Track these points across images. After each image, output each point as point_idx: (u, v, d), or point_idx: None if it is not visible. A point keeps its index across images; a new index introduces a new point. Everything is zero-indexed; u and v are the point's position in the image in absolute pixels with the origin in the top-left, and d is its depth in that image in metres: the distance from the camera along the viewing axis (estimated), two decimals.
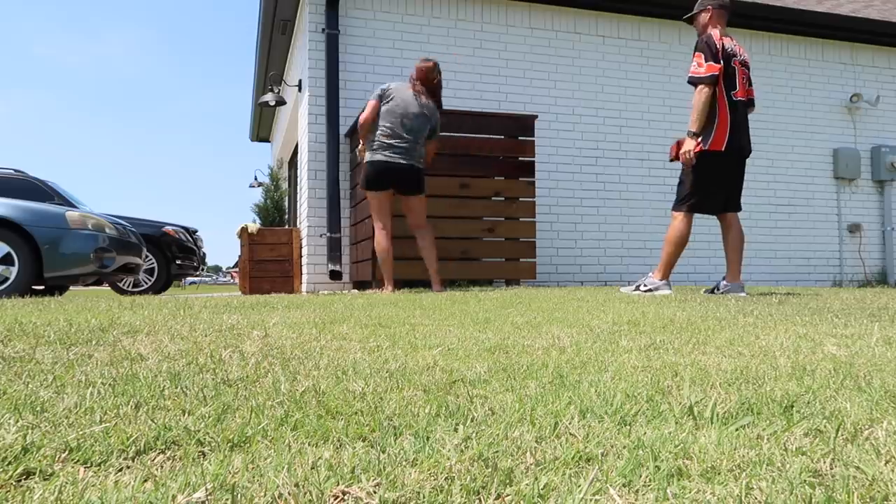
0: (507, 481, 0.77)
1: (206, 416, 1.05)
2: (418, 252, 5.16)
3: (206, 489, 0.74)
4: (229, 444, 0.92)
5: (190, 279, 23.90)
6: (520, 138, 6.10)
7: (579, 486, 0.75)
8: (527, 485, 0.75)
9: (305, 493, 0.73)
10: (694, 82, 4.08)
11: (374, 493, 0.74)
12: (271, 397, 1.19)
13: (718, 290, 4.22)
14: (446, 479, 0.78)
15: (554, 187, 7.08)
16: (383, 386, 1.29)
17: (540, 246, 6.58)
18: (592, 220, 7.23)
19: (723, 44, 4.13)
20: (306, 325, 2.34)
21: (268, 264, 7.07)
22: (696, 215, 4.27)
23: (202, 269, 10.52)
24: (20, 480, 0.79)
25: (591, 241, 7.22)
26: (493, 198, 5.94)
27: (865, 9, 8.49)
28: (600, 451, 0.87)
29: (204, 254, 10.47)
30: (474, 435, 0.94)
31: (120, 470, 0.83)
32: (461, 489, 0.75)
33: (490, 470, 0.80)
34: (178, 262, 8.99)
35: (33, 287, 5.58)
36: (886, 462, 0.83)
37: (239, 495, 0.73)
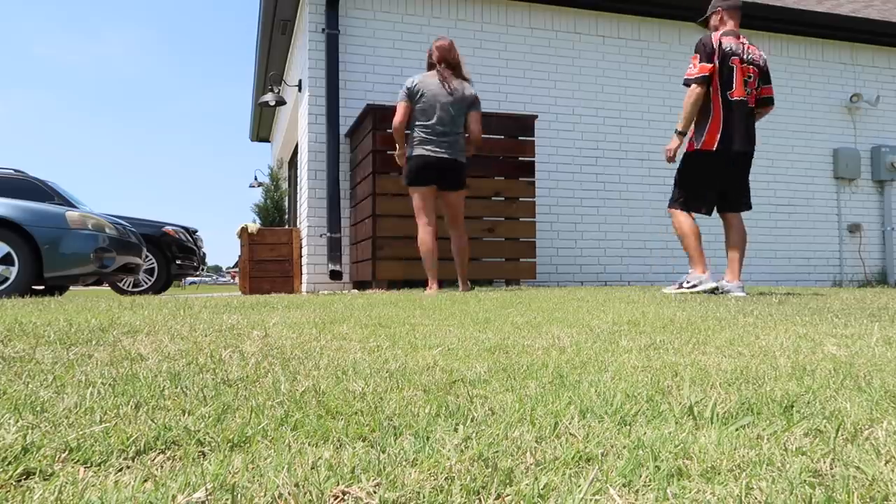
0: (507, 481, 0.77)
1: (206, 416, 1.05)
2: (417, 253, 5.13)
3: (206, 489, 0.74)
4: (229, 444, 0.92)
5: (190, 279, 23.90)
6: (520, 138, 6.10)
7: (579, 486, 0.75)
8: (527, 485, 0.75)
9: (305, 493, 0.73)
10: (686, 83, 4.12)
11: (374, 493, 0.74)
12: (271, 397, 1.19)
13: (718, 290, 4.20)
14: (446, 479, 0.78)
15: (554, 187, 7.08)
16: (383, 386, 1.29)
17: (540, 246, 6.58)
18: (592, 220, 7.23)
19: (720, 42, 4.10)
20: (306, 325, 2.34)
21: (268, 264, 7.07)
22: (696, 215, 4.27)
23: (202, 269, 10.52)
24: (20, 480, 0.79)
25: (591, 241, 7.22)
26: (493, 198, 5.94)
27: (865, 9, 8.49)
28: (600, 451, 0.87)
29: (204, 254, 10.47)
30: (474, 435, 0.94)
31: (120, 470, 0.83)
32: (461, 489, 0.75)
33: (490, 470, 0.80)
34: (178, 262, 8.99)
35: (33, 287, 5.58)
36: (886, 462, 0.83)
37: (239, 495, 0.73)
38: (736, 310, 2.88)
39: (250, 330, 2.18)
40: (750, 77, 4.15)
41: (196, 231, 10.08)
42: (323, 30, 6.49)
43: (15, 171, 7.80)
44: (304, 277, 6.74)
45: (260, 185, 11.86)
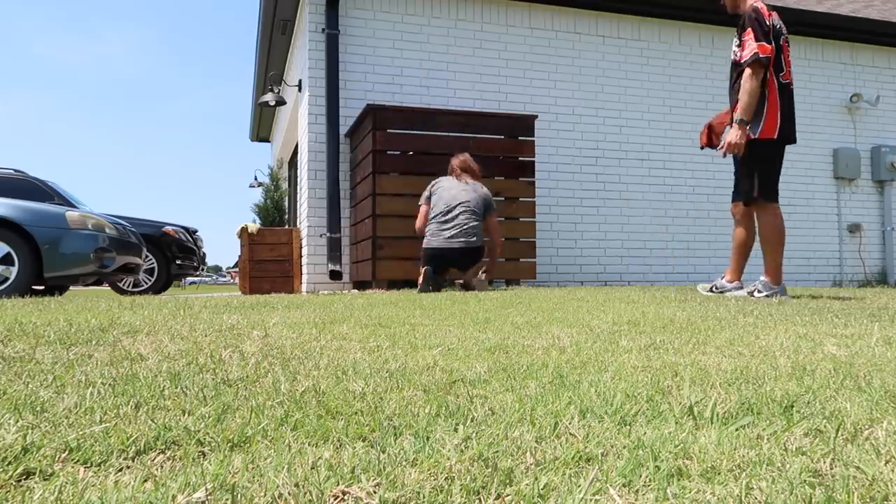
0: (507, 481, 0.77)
1: (206, 416, 1.05)
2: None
3: (206, 489, 0.74)
4: (229, 444, 0.92)
5: (190, 279, 23.89)
6: (520, 138, 6.10)
7: (579, 486, 0.75)
8: (527, 485, 0.75)
9: (305, 493, 0.73)
10: (750, 62, 3.65)
11: (374, 493, 0.74)
12: (271, 397, 1.19)
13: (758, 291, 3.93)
14: (446, 479, 0.78)
15: (554, 187, 7.08)
16: (383, 386, 1.29)
17: (540, 246, 6.58)
18: (592, 220, 7.23)
19: (772, 20, 3.77)
20: (306, 325, 2.34)
21: (268, 264, 7.07)
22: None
23: (202, 269, 10.52)
24: (20, 480, 0.79)
25: (591, 241, 7.22)
26: (494, 198, 5.93)
27: (865, 9, 8.49)
28: (600, 451, 0.87)
29: (204, 254, 10.47)
30: (474, 435, 0.94)
31: (120, 470, 0.83)
32: (461, 489, 0.74)
33: (490, 470, 0.80)
34: (178, 262, 8.99)
35: (33, 287, 5.58)
36: (886, 462, 0.83)
37: (239, 495, 0.73)
38: (736, 310, 2.88)
39: (250, 330, 2.18)
40: (788, 55, 3.87)
41: (196, 231, 10.07)
42: (323, 30, 6.49)
43: (15, 171, 7.80)
44: (304, 277, 6.74)
45: (260, 185, 11.86)
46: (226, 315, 2.71)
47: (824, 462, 0.83)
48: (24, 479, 0.79)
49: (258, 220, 10.29)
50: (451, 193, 5.01)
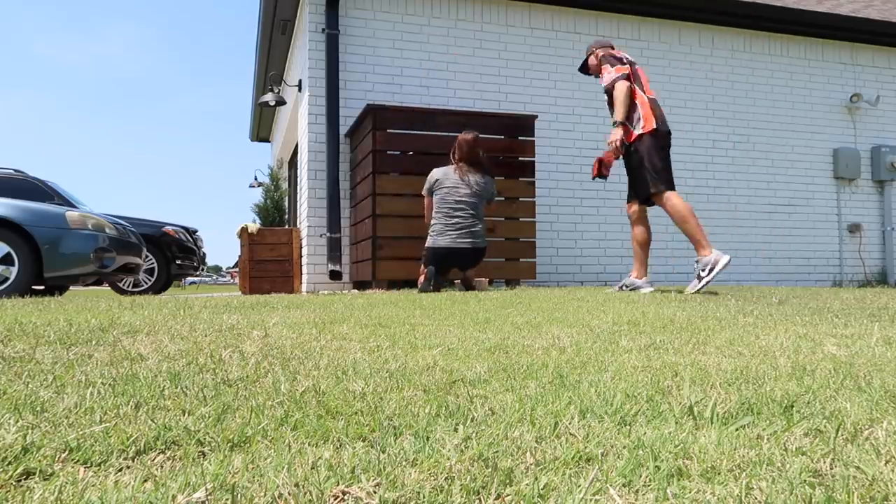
0: (507, 481, 0.77)
1: (206, 416, 1.05)
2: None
3: (206, 489, 0.74)
4: (229, 444, 0.92)
5: (190, 279, 23.90)
6: (520, 138, 6.10)
7: (579, 486, 0.75)
8: (527, 485, 0.75)
9: (305, 493, 0.73)
10: (611, 82, 4.31)
11: (374, 493, 0.74)
12: (271, 397, 1.19)
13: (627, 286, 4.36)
14: (446, 479, 0.78)
15: (554, 187, 7.08)
16: (383, 386, 1.29)
17: (540, 246, 6.58)
18: (592, 220, 7.23)
19: (623, 53, 4.49)
20: (306, 325, 2.34)
21: (268, 264, 7.07)
22: (696, 215, 4.25)
23: (202, 269, 10.52)
24: (20, 480, 0.79)
25: (591, 241, 7.22)
26: (494, 198, 5.94)
27: (865, 9, 8.49)
28: (600, 451, 0.87)
29: (204, 254, 10.47)
30: (474, 435, 0.94)
31: (120, 470, 0.83)
32: (461, 489, 0.74)
33: (490, 470, 0.80)
34: (178, 262, 8.99)
35: (33, 287, 5.58)
36: (886, 462, 0.83)
37: (239, 495, 0.73)
38: (736, 310, 2.88)
39: (250, 330, 2.18)
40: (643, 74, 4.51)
41: (196, 231, 10.07)
42: (323, 30, 6.49)
43: (15, 171, 7.80)
44: (304, 277, 6.74)
45: (260, 185, 11.86)
46: (226, 315, 2.71)
47: (824, 462, 0.83)
48: (24, 479, 0.79)
49: (258, 220, 10.29)
50: (456, 197, 5.01)
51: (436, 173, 5.13)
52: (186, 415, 1.06)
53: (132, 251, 6.62)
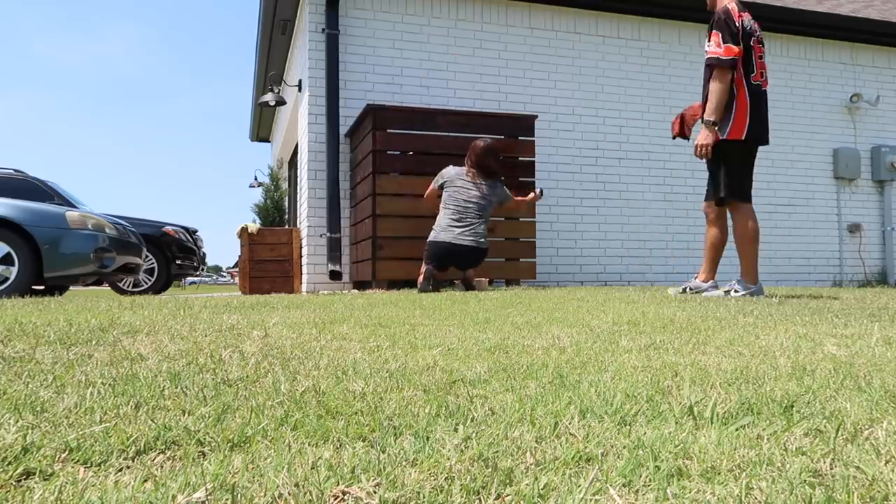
0: (507, 481, 0.77)
1: (206, 416, 1.05)
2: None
3: (206, 489, 0.74)
4: (229, 444, 0.92)
5: (190, 279, 23.90)
6: (520, 138, 6.10)
7: (579, 486, 0.75)
8: (527, 485, 0.75)
9: (305, 493, 0.73)
10: (712, 64, 3.73)
11: (374, 493, 0.74)
12: (271, 397, 1.19)
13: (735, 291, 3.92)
14: (446, 479, 0.78)
15: (554, 187, 7.08)
16: (383, 386, 1.29)
17: (540, 246, 6.58)
18: (592, 220, 7.23)
19: (742, 21, 3.76)
20: (306, 325, 2.34)
21: (268, 264, 7.07)
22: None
23: (202, 269, 10.52)
24: (20, 480, 0.79)
25: (591, 241, 7.22)
26: None
27: (865, 9, 8.49)
28: (600, 451, 0.87)
29: (204, 254, 10.47)
30: (474, 435, 0.94)
31: (120, 470, 0.83)
32: (461, 489, 0.74)
33: (490, 470, 0.80)
34: (178, 262, 8.99)
35: (33, 287, 5.58)
36: (886, 462, 0.83)
37: (239, 495, 0.73)
38: (736, 310, 2.88)
39: (250, 330, 2.18)
40: (761, 57, 3.88)
41: (196, 231, 10.08)
42: (323, 30, 6.49)
43: (15, 171, 7.80)
44: (304, 277, 6.74)
45: (260, 185, 11.86)
46: (226, 315, 2.71)
47: (824, 462, 0.83)
48: (24, 479, 0.79)
49: (258, 220, 10.29)
50: (465, 197, 5.05)
51: (449, 171, 5.17)
52: (186, 415, 1.06)
53: (132, 251, 6.62)
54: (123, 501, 0.71)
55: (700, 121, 3.92)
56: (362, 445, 0.91)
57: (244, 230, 7.12)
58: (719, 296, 3.88)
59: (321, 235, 6.55)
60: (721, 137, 3.81)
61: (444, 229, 5.01)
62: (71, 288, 9.03)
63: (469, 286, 5.08)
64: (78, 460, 0.85)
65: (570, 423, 1.00)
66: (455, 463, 0.82)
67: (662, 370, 1.45)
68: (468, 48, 6.96)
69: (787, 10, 7.70)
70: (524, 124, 6.14)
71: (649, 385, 1.28)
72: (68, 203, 7.53)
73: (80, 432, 0.95)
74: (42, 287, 6.25)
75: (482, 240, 5.07)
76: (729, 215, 4.04)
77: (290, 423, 1.01)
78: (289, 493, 0.73)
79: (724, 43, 3.70)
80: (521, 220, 6.04)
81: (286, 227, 10.38)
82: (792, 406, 1.11)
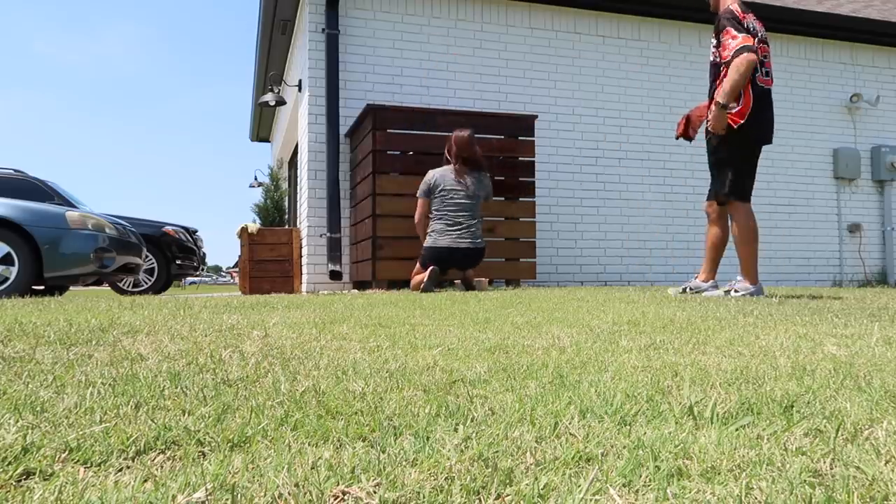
0: (507, 481, 0.77)
1: (206, 416, 1.05)
2: (417, 253, 5.19)
3: (206, 489, 0.74)
4: (229, 444, 0.92)
5: (190, 279, 23.91)
6: (520, 138, 6.10)
7: (579, 486, 0.75)
8: (527, 485, 0.75)
9: (305, 493, 0.73)
10: (738, 52, 3.61)
11: (374, 493, 0.74)
12: (271, 397, 1.19)
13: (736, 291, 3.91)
14: (446, 479, 0.78)
15: (554, 187, 7.08)
16: (383, 386, 1.29)
17: (540, 246, 6.58)
18: (592, 220, 7.23)
19: (746, 23, 3.77)
20: (306, 325, 2.34)
21: (268, 264, 7.07)
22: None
23: (202, 269, 10.52)
24: (20, 480, 0.79)
25: (591, 241, 7.22)
26: (494, 198, 5.93)
27: (865, 9, 8.49)
28: (600, 451, 0.87)
29: (204, 254, 10.47)
30: (474, 435, 0.94)
31: (120, 470, 0.83)
32: (461, 489, 0.74)
33: (490, 470, 0.80)
34: (178, 262, 8.99)
35: (33, 287, 5.58)
36: (886, 462, 0.83)
37: (239, 495, 0.73)
38: (736, 310, 2.88)
39: (250, 330, 2.18)
40: (766, 57, 3.85)
41: (196, 231, 10.08)
42: (323, 30, 6.49)
43: (15, 171, 7.80)
44: (304, 277, 6.74)
45: (260, 185, 11.86)
46: (226, 315, 2.71)
47: (824, 462, 0.83)
48: (24, 479, 0.79)
49: (258, 220, 10.29)
50: (455, 199, 5.07)
51: (433, 175, 5.16)
52: (186, 415, 1.06)
53: (132, 251, 6.62)
54: (123, 501, 0.71)
55: (706, 118, 3.91)
56: (362, 445, 0.91)
57: (244, 230, 7.12)
58: (719, 296, 3.88)
59: (321, 235, 6.55)
60: (733, 112, 3.74)
61: (440, 234, 5.04)
62: (71, 288, 9.03)
63: (469, 286, 5.09)
64: (78, 460, 0.85)
65: (570, 423, 1.00)
66: (455, 463, 0.82)
67: (662, 370, 1.45)
68: (468, 48, 6.96)
69: (787, 10, 7.70)
70: (524, 124, 6.14)
71: (649, 385, 1.28)
72: (68, 203, 7.53)
73: (80, 432, 0.95)
74: (42, 287, 6.25)
75: (479, 240, 5.10)
76: (728, 215, 4.03)
77: (290, 423, 1.01)
78: (289, 493, 0.73)
79: (739, 34, 3.67)
80: (521, 220, 6.04)
81: (286, 227, 10.38)
82: (792, 406, 1.11)
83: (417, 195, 5.23)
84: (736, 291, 3.90)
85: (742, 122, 3.77)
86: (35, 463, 0.83)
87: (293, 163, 10.40)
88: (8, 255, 5.34)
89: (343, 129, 6.55)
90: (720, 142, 3.86)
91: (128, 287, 8.67)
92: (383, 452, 0.87)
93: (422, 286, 4.90)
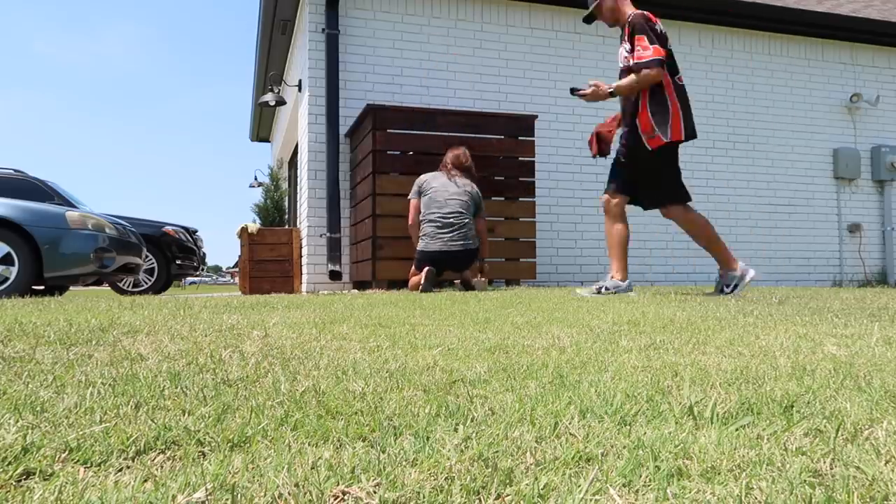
0: (507, 481, 0.77)
1: (206, 416, 1.05)
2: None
3: (206, 489, 0.74)
4: (229, 444, 0.92)
5: (190, 279, 23.92)
6: (520, 138, 6.10)
7: (579, 486, 0.75)
8: (527, 485, 0.75)
9: (305, 493, 0.73)
10: (639, 68, 3.80)
11: (374, 493, 0.74)
12: (271, 397, 1.19)
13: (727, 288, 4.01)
14: (446, 479, 0.78)
15: (554, 187, 7.08)
16: (383, 386, 1.29)
17: (540, 246, 6.58)
18: (592, 220, 7.23)
19: (659, 26, 3.92)
20: (306, 325, 2.34)
21: (268, 264, 7.07)
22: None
23: (202, 269, 10.52)
24: (20, 480, 0.79)
25: (591, 241, 7.22)
26: (494, 198, 5.94)
27: (865, 9, 8.49)
28: (600, 451, 0.87)
29: (204, 254, 10.48)
30: (474, 435, 0.94)
31: (120, 470, 0.83)
32: (461, 489, 0.74)
33: (490, 470, 0.80)
34: (178, 262, 8.99)
35: (33, 287, 5.58)
36: (886, 462, 0.83)
37: (239, 495, 0.73)
38: (736, 310, 2.88)
39: (250, 330, 2.18)
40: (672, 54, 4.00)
41: (196, 231, 10.08)
42: (323, 30, 6.50)
43: (15, 171, 7.80)
44: (304, 277, 6.74)
45: (260, 185, 11.86)
46: (226, 315, 2.71)
47: (824, 462, 0.83)
48: (24, 479, 0.79)
49: (258, 220, 10.29)
50: (445, 196, 5.07)
51: (423, 177, 5.23)
52: (186, 415, 1.06)
53: (132, 251, 6.62)
54: (123, 501, 0.71)
55: (618, 126, 4.09)
56: (362, 445, 0.91)
57: (244, 230, 7.12)
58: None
59: (321, 235, 6.55)
60: (665, 140, 3.88)
61: (432, 238, 5.04)
62: (71, 288, 9.03)
63: (468, 286, 5.09)
64: (78, 460, 0.85)
65: (570, 423, 1.00)
66: (455, 463, 0.82)
67: (662, 370, 1.45)
68: (468, 48, 6.96)
69: (787, 10, 7.70)
70: (524, 124, 6.14)
71: (649, 385, 1.28)
72: (68, 203, 7.53)
73: (80, 432, 0.95)
74: (42, 287, 6.26)
75: (470, 241, 5.10)
76: (676, 215, 4.09)
77: (290, 423, 1.01)
78: (289, 493, 0.73)
79: (651, 45, 3.82)
80: (521, 220, 6.04)
81: (286, 227, 10.38)
82: (792, 406, 1.11)
83: (409, 197, 5.26)
84: (607, 290, 3.98)
85: (680, 138, 3.91)
86: (35, 463, 0.83)
87: (293, 163, 10.40)
88: (8, 255, 5.34)
89: (343, 129, 6.55)
90: (652, 155, 3.94)
91: (128, 287, 8.67)
92: (383, 452, 0.87)
93: (420, 287, 4.90)
